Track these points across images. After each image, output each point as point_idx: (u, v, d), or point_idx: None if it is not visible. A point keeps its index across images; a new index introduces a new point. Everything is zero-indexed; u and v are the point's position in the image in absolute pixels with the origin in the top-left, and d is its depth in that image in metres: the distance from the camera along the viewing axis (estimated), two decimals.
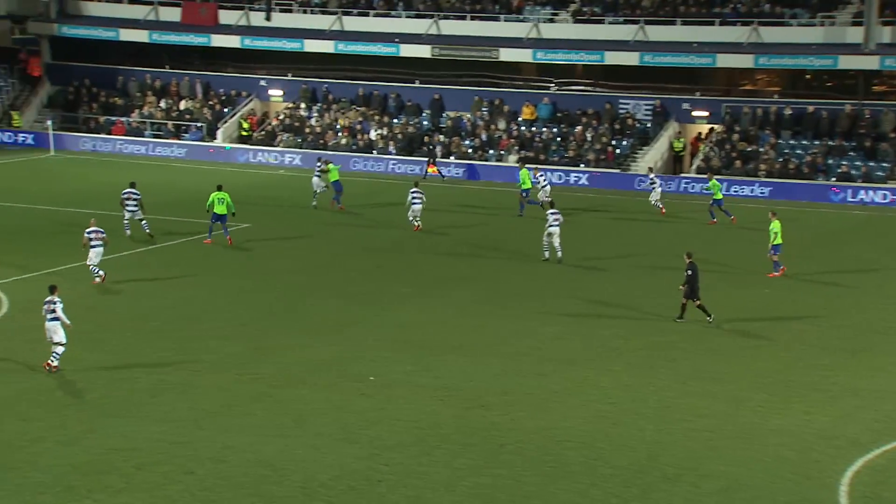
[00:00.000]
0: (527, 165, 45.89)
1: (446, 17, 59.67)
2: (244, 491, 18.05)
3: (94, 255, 31.43)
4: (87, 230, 31.68)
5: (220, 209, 36.12)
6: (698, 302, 28.09)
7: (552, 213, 35.07)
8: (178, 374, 23.80)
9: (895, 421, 21.55)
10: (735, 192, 50.02)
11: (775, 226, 33.10)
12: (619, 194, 49.88)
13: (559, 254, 34.63)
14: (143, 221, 37.33)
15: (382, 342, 26.38)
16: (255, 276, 33.01)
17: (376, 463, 19.22)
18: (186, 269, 33.62)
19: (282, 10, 62.34)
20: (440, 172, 53.23)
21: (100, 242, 31.52)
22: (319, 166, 45.11)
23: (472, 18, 59.29)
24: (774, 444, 20.37)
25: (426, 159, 53.98)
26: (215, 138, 60.31)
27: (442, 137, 57.08)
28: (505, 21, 58.73)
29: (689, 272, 28.08)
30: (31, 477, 18.46)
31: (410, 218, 39.53)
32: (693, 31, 54.96)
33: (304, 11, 62.40)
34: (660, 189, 45.14)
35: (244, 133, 60.33)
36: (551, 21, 58.40)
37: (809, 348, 26.50)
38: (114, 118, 62.33)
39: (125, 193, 37.56)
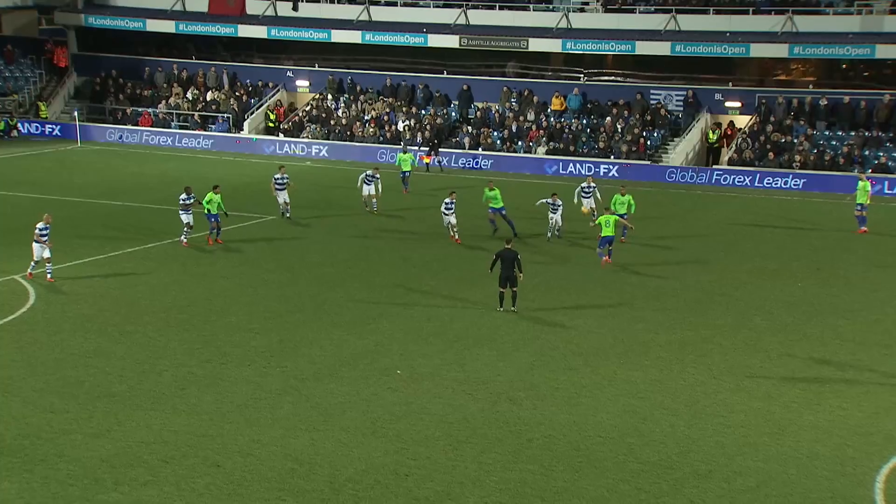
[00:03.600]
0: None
1: (475, 7, 59.39)
2: (271, 485, 17.93)
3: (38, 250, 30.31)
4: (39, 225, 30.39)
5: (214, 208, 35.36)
6: (501, 290, 27.94)
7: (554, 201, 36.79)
8: (205, 367, 23.71)
9: None
10: (769, 184, 49.54)
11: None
12: (650, 186, 49.42)
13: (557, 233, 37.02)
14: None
15: (410, 335, 26.20)
16: (282, 268, 32.89)
17: (404, 457, 19.05)
18: (213, 262, 33.57)
19: (309, 1, 62.24)
20: (440, 163, 53.09)
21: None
22: (279, 178, 39.65)
23: (501, 8, 59.02)
24: (808, 440, 20.06)
25: (427, 149, 53.75)
26: (242, 129, 60.35)
27: (470, 128, 56.83)
28: (534, 10, 58.37)
29: (495, 257, 27.97)
30: (58, 469, 18.41)
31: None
32: (726, 20, 54.45)
33: (332, 1, 62.34)
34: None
35: (271, 124, 60.35)
36: (581, 10, 58.03)
37: (845, 343, 26.10)
38: (140, 109, 62.51)
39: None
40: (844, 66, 55.63)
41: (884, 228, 40.42)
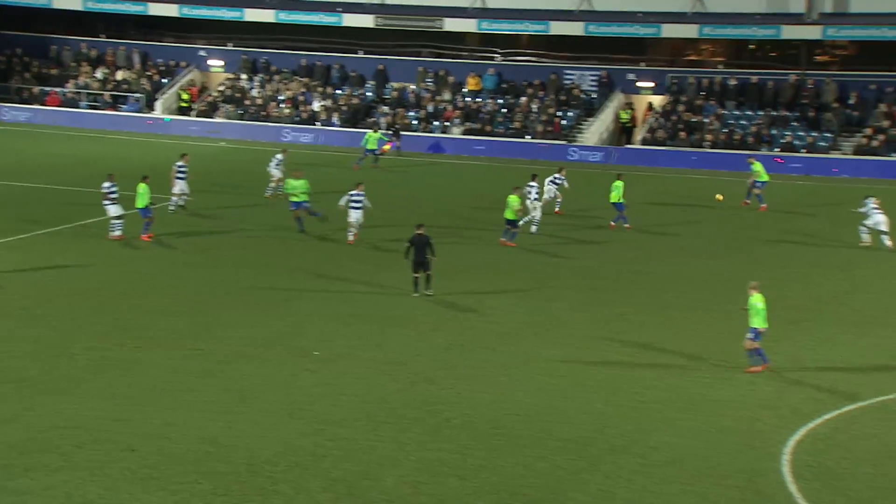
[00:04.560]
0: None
1: None
2: (187, 468, 17.74)
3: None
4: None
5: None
6: (415, 275, 27.55)
7: (556, 179, 37.15)
8: (120, 350, 23.33)
9: (836, 390, 21.77)
10: (680, 163, 50.29)
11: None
12: (565, 166, 49.70)
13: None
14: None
15: (328, 317, 26.10)
16: (198, 251, 32.51)
17: (322, 438, 19.01)
18: (127, 245, 32.99)
19: None
20: (397, 147, 52.37)
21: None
22: (181, 166, 37.37)
23: None
24: (720, 415, 20.46)
25: (390, 135, 52.83)
26: (154, 109, 59.33)
27: (386, 109, 56.64)
28: None
29: (408, 244, 27.59)
30: None
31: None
32: (638, 0, 54.97)
33: None
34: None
35: (184, 104, 59.45)
36: None
37: None
38: (48, 88, 61.00)
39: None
40: (752, 46, 56.72)
41: (789, 206, 41.37)
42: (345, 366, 22.70)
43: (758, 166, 40.28)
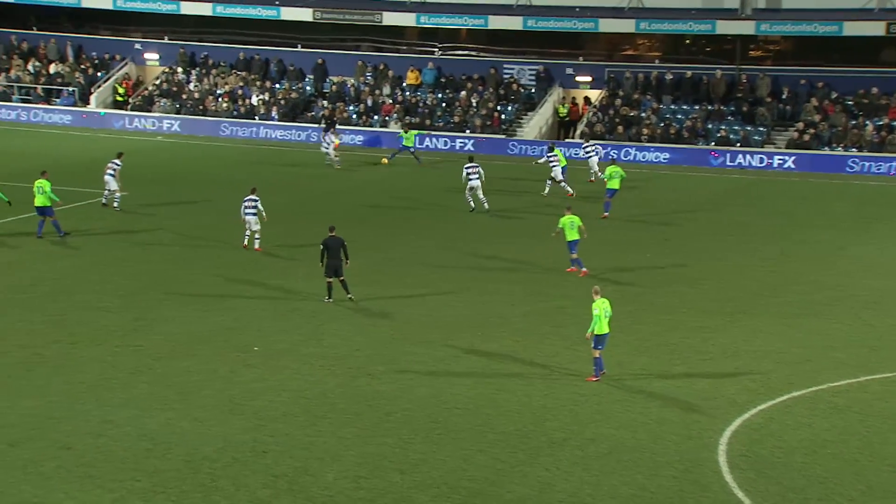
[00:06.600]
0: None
1: None
2: (125, 465, 17.59)
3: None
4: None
5: (40, 200, 32.42)
6: (329, 280, 26.46)
7: (472, 167, 37.17)
8: (54, 347, 23.03)
9: (770, 381, 22.12)
10: (617, 157, 50.60)
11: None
12: (504, 160, 49.96)
13: (485, 205, 37.36)
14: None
15: (267, 311, 25.97)
16: (134, 246, 32.13)
17: (262, 434, 18.94)
18: (59, 241, 32.50)
19: None
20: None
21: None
22: (118, 163, 36.76)
23: None
24: (657, 407, 20.70)
25: (325, 129, 52.37)
26: (88, 103, 58.52)
27: (325, 103, 56.42)
28: None
29: (322, 247, 26.44)
30: None
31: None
32: None
33: None
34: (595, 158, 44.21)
35: (119, 98, 58.68)
36: None
37: (690, 311, 26.99)
38: None
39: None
40: (688, 41, 57.37)
41: (722, 199, 41.92)
42: (285, 361, 22.62)
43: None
